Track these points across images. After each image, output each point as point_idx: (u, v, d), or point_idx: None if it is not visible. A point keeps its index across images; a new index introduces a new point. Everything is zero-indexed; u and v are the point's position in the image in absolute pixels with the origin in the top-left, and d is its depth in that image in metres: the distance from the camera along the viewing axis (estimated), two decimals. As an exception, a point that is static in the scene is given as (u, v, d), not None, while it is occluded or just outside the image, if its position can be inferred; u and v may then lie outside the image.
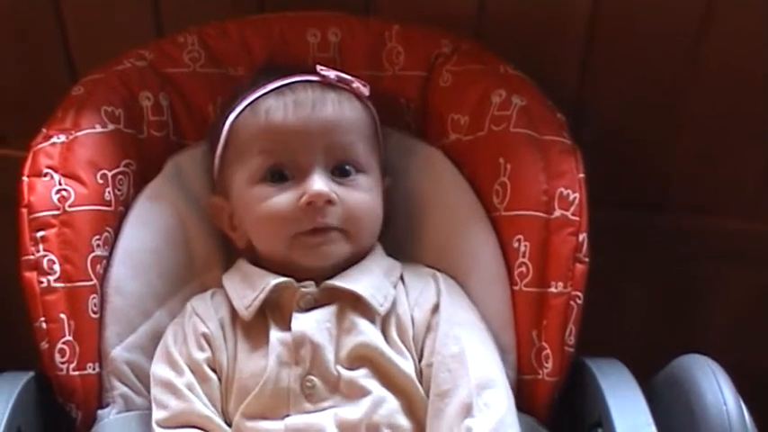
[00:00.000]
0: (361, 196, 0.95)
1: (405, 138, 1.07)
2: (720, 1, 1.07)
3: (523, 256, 0.97)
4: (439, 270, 1.00)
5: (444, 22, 1.09)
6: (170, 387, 0.91)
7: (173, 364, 0.92)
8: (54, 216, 0.95)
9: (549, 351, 0.95)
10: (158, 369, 0.93)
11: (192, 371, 0.92)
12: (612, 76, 1.15)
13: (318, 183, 0.92)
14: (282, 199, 0.93)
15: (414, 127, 1.08)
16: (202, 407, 0.90)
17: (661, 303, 1.32)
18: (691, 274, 1.31)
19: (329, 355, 0.91)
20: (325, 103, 0.95)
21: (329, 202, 0.92)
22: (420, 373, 0.92)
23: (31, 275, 0.94)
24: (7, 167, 1.20)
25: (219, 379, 0.92)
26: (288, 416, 0.89)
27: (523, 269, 0.97)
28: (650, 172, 1.24)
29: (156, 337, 0.97)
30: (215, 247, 1.03)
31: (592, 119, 1.15)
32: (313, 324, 0.92)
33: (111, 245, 0.99)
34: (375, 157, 0.99)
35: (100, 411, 0.95)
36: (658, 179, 1.24)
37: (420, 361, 0.93)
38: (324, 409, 0.89)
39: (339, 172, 0.95)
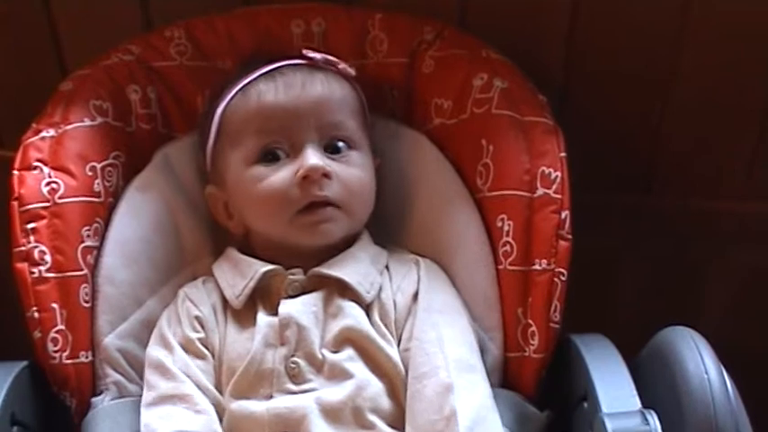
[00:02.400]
0: (355, 171, 0.97)
1: (390, 124, 1.08)
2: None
3: (507, 236, 0.98)
4: (423, 255, 1.02)
5: (427, 10, 1.10)
6: (161, 368, 0.93)
7: (166, 345, 0.94)
8: (44, 208, 0.97)
9: (534, 328, 0.96)
10: (152, 350, 0.95)
11: (186, 349, 0.94)
12: (595, 60, 1.16)
13: (313, 157, 0.94)
14: (278, 177, 0.95)
15: (398, 113, 1.09)
16: (190, 386, 0.91)
17: (652, 286, 1.33)
18: (680, 257, 1.31)
19: (314, 337, 0.92)
20: (314, 83, 0.97)
21: (325, 175, 0.94)
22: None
23: (22, 266, 0.96)
24: (2, 167, 1.23)
25: (214, 358, 0.94)
26: (272, 396, 0.90)
27: (508, 248, 0.98)
28: (637, 155, 1.25)
29: (148, 325, 0.99)
30: (205, 236, 1.05)
31: (576, 103, 1.16)
32: (300, 307, 0.93)
33: (102, 235, 1.00)
34: (365, 136, 1.01)
35: (94, 399, 0.96)
36: (646, 162, 1.25)
37: (399, 345, 0.94)
38: (307, 391, 0.90)
39: (332, 149, 0.97)
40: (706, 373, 0.85)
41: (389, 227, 1.05)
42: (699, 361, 0.86)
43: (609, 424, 0.83)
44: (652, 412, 0.84)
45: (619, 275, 1.32)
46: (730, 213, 1.29)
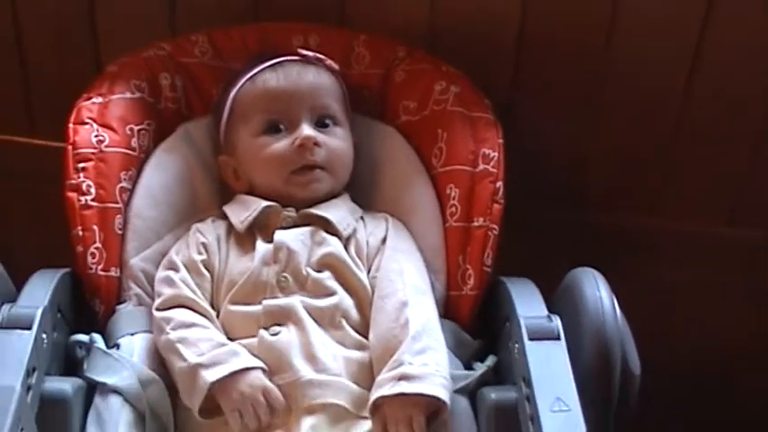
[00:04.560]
0: (339, 142, 1.25)
1: (367, 119, 1.35)
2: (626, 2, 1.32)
3: (454, 200, 1.25)
4: (391, 215, 1.28)
5: (402, 34, 1.38)
6: (168, 281, 1.17)
7: (172, 265, 1.19)
8: (92, 153, 1.23)
9: (471, 271, 1.22)
10: (161, 271, 1.20)
11: (188, 268, 1.18)
12: (539, 78, 1.42)
13: (307, 130, 1.21)
14: (279, 145, 1.22)
15: (374, 112, 1.36)
16: (190, 292, 1.16)
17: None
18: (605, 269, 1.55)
19: (301, 258, 1.18)
20: (307, 73, 1.26)
21: (316, 144, 1.21)
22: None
23: (72, 195, 1.20)
24: (37, 153, 1.49)
25: (212, 278, 1.19)
26: (264, 298, 1.15)
27: (453, 209, 1.25)
28: (572, 169, 1.48)
29: (164, 254, 1.23)
30: (214, 193, 1.31)
31: (519, 116, 1.43)
32: (291, 236, 1.20)
33: (134, 182, 1.25)
34: (346, 117, 1.28)
35: (118, 306, 1.20)
36: (580, 176, 1.48)
37: (369, 273, 1.20)
38: (292, 295, 1.16)
39: (321, 124, 1.24)
40: (599, 293, 1.11)
41: (365, 196, 1.31)
42: (594, 287, 1.12)
43: (522, 321, 1.09)
44: (556, 316, 1.10)
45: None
46: (645, 228, 1.50)
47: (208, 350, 1.10)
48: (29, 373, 1.02)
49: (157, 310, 1.16)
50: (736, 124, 1.41)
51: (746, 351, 1.59)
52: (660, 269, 1.54)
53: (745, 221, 1.49)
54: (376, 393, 1.08)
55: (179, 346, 1.10)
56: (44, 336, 1.08)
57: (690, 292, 1.55)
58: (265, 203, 1.22)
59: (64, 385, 1.08)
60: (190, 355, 1.09)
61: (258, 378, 1.09)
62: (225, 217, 1.25)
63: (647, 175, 1.49)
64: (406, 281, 1.17)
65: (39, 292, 1.11)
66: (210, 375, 1.07)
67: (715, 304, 1.56)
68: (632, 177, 1.50)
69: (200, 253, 1.20)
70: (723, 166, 1.46)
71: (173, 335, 1.12)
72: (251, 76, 1.27)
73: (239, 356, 1.10)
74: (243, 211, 1.22)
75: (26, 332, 1.05)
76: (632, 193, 1.51)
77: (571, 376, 1.02)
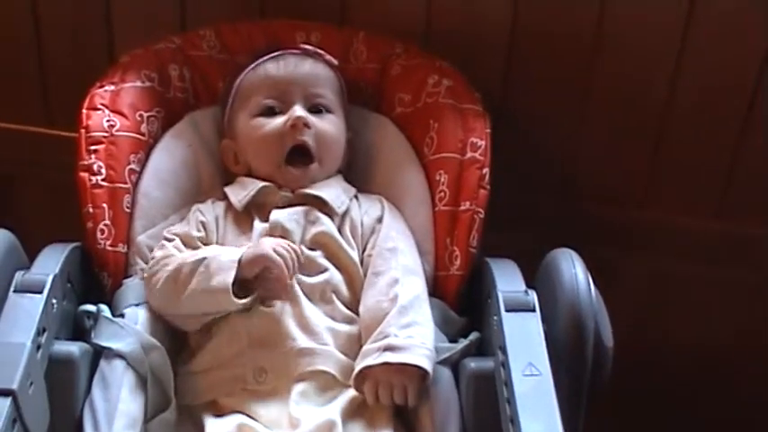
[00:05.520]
0: (329, 126, 1.32)
1: (364, 111, 1.43)
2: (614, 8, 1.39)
3: (443, 185, 1.32)
4: (386, 198, 1.36)
5: (398, 34, 1.46)
6: (160, 246, 1.26)
7: (167, 239, 1.27)
8: (104, 137, 1.30)
9: (457, 252, 1.29)
10: (157, 247, 1.27)
11: (185, 243, 1.26)
12: (530, 75, 1.49)
13: (299, 111, 1.29)
14: (273, 124, 1.30)
15: (371, 104, 1.44)
16: (179, 253, 1.22)
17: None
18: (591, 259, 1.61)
19: (295, 237, 1.25)
20: (304, 64, 1.34)
21: (306, 125, 1.29)
22: (361, 262, 1.27)
23: (84, 175, 1.28)
24: (57, 145, 1.57)
25: None
26: None
27: (442, 194, 1.32)
28: (563, 163, 1.53)
29: (169, 232, 1.31)
30: (217, 177, 1.38)
31: (511, 112, 1.50)
32: (286, 215, 1.27)
33: (143, 164, 1.33)
34: (342, 108, 1.36)
35: (125, 279, 1.28)
36: (570, 171, 1.54)
37: (363, 252, 1.28)
38: None
39: (314, 110, 1.32)
40: (574, 270, 1.17)
41: (361, 181, 1.38)
42: (570, 265, 1.19)
43: (500, 294, 1.16)
44: (532, 291, 1.17)
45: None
46: (635, 220, 1.55)
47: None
48: (39, 333, 1.09)
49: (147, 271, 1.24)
50: (721, 117, 1.47)
51: (739, 344, 1.63)
52: (650, 262, 1.61)
53: (734, 215, 1.54)
54: (361, 363, 1.16)
55: (187, 260, 1.19)
56: (54, 301, 1.15)
57: (680, 286, 1.61)
58: (262, 184, 1.30)
59: (71, 347, 1.15)
60: (203, 253, 1.19)
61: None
62: (224, 198, 1.32)
63: (635, 169, 1.55)
64: (399, 260, 1.25)
65: (50, 262, 1.19)
66: (235, 254, 1.17)
67: (705, 297, 1.61)
68: (621, 171, 1.56)
69: (198, 230, 1.27)
70: (711, 159, 1.51)
71: (171, 265, 1.20)
72: (254, 66, 1.35)
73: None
74: (241, 191, 1.30)
75: (37, 296, 1.12)
76: (621, 188, 1.57)
77: (543, 344, 1.09)
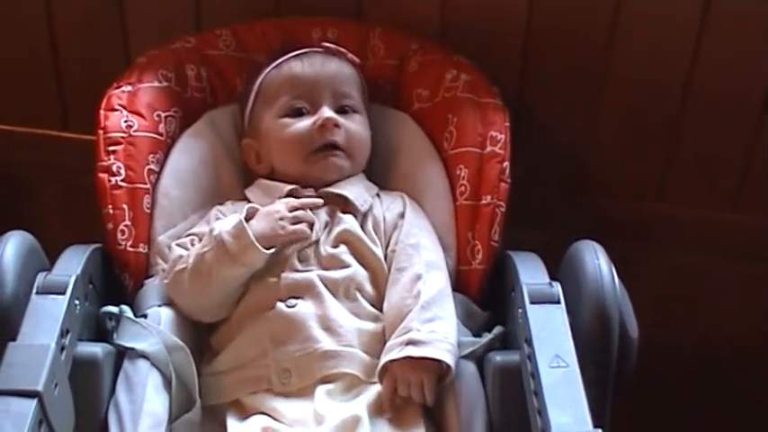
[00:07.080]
0: (357, 127, 1.32)
1: (383, 107, 1.42)
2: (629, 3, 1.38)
3: (463, 180, 1.31)
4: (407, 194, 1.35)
5: (414, 30, 1.45)
6: (178, 245, 1.25)
7: (179, 245, 1.26)
8: (122, 137, 1.30)
9: (479, 246, 1.28)
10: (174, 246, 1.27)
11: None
12: (546, 70, 1.49)
13: (328, 111, 1.29)
14: (301, 125, 1.30)
15: (389, 100, 1.43)
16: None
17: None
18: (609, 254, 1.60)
19: (319, 235, 1.25)
20: (330, 63, 1.33)
21: (336, 125, 1.28)
22: (385, 258, 1.27)
23: (103, 176, 1.28)
24: (71, 147, 1.57)
25: None
26: (282, 272, 1.22)
27: (463, 188, 1.31)
28: (578, 157, 1.53)
29: (189, 232, 1.31)
30: (237, 177, 1.38)
31: (528, 106, 1.49)
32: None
33: (162, 164, 1.33)
34: (365, 107, 1.36)
35: (146, 280, 1.27)
36: (585, 164, 1.53)
37: (387, 248, 1.27)
38: (310, 271, 1.22)
39: (341, 110, 1.31)
40: (598, 261, 1.17)
41: (381, 177, 1.37)
42: (594, 256, 1.18)
43: (525, 287, 1.15)
44: (557, 283, 1.16)
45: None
46: (651, 215, 1.55)
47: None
48: (63, 334, 1.09)
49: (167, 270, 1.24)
50: (737, 110, 1.46)
51: (753, 336, 1.62)
52: (668, 257, 1.60)
53: (749, 207, 1.54)
54: (385, 357, 1.15)
55: (201, 249, 1.20)
56: (77, 302, 1.15)
57: (699, 280, 1.60)
58: (289, 186, 1.28)
59: (95, 348, 1.15)
60: (209, 237, 1.19)
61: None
62: (243, 199, 1.32)
63: (652, 163, 1.55)
64: (422, 256, 1.24)
65: (72, 263, 1.19)
66: (236, 217, 1.19)
67: (724, 291, 1.60)
68: (638, 166, 1.55)
69: None
70: (725, 151, 1.51)
71: (190, 259, 1.20)
72: (277, 64, 1.34)
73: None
74: (265, 198, 1.28)
75: (60, 297, 1.12)
76: (638, 182, 1.56)
77: (570, 336, 1.08)
